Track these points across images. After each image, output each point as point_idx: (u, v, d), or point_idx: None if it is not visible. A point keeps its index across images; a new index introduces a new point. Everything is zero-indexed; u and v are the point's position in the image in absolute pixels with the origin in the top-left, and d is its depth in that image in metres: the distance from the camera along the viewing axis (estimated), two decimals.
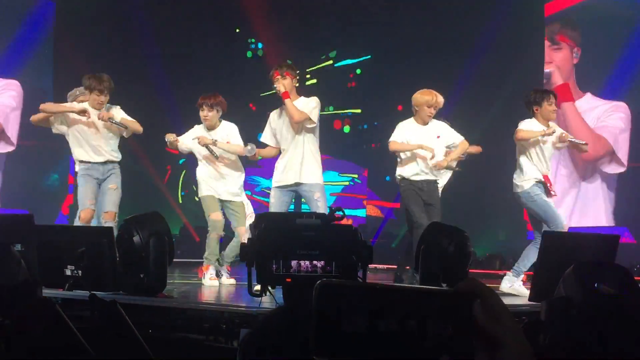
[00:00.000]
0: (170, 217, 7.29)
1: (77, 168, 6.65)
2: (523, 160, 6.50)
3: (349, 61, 11.80)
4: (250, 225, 6.29)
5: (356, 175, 12.16)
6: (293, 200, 6.71)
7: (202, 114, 6.60)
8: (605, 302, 2.70)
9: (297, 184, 6.26)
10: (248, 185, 8.96)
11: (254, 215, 6.89)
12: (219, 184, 6.69)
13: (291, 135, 6.30)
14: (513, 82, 10.04)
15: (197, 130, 6.76)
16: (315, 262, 1.78)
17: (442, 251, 4.43)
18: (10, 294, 2.72)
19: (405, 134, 6.54)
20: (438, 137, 6.55)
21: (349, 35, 11.38)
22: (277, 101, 6.44)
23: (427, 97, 6.45)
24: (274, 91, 6.29)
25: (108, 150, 6.53)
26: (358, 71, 11.80)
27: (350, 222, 10.24)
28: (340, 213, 2.21)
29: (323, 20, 11.28)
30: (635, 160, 9.81)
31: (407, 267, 6.91)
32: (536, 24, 10.44)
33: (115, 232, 5.09)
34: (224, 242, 6.75)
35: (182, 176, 11.74)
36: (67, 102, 6.71)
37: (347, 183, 12.13)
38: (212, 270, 6.50)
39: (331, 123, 11.68)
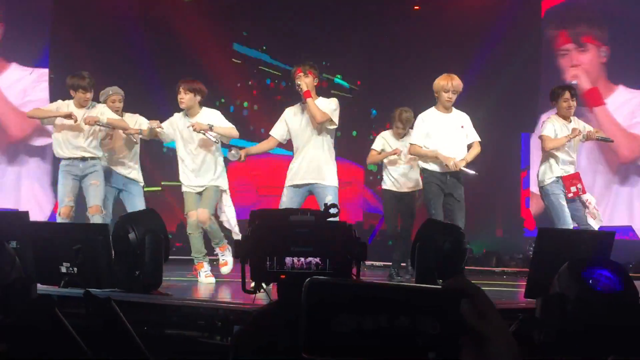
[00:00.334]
0: (169, 216, 7.31)
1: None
2: (547, 158, 6.69)
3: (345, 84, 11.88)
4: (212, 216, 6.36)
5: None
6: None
7: (178, 97, 6.48)
8: (601, 298, 2.70)
9: (312, 185, 6.13)
10: None
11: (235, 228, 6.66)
12: (197, 177, 6.51)
13: (307, 135, 6.18)
14: (511, 78, 10.06)
15: (176, 117, 6.61)
16: (309, 259, 1.77)
17: (437, 248, 4.44)
18: (5, 291, 2.72)
19: (427, 125, 6.41)
20: (462, 126, 6.43)
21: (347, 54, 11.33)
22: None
23: (442, 82, 6.35)
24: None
25: (89, 147, 6.79)
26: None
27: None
28: (336, 210, 2.21)
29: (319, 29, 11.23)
30: None
31: (403, 265, 6.93)
32: (533, 21, 10.44)
33: (111, 230, 5.09)
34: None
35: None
36: (99, 100, 7.03)
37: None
38: (206, 267, 6.49)
39: None
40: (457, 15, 10.39)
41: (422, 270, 4.55)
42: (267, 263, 1.78)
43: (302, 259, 1.89)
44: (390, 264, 7.26)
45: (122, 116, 7.02)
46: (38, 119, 7.12)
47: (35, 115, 7.09)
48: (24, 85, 10.10)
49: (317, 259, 1.87)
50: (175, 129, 6.59)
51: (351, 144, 11.70)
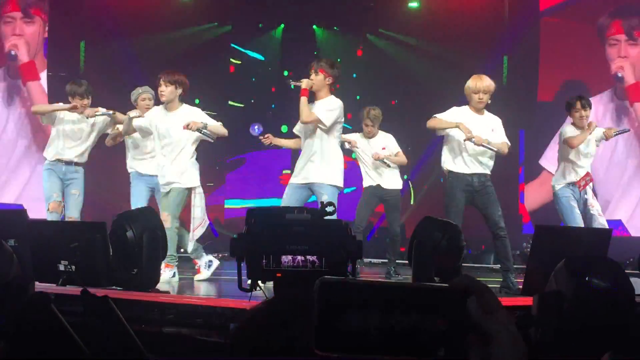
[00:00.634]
0: None
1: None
2: (561, 162, 6.82)
3: None
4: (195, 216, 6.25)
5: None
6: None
7: (159, 90, 6.28)
8: (597, 296, 2.71)
9: (312, 184, 5.98)
10: None
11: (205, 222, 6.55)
12: (163, 174, 6.28)
13: (309, 133, 6.05)
14: (508, 74, 10.06)
15: (155, 111, 6.43)
16: (305, 257, 1.78)
17: (434, 245, 4.44)
18: (3, 289, 2.72)
19: (454, 117, 6.12)
20: (492, 130, 6.15)
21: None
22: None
23: (471, 84, 6.11)
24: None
25: (81, 151, 6.92)
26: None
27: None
28: (332, 208, 2.22)
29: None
30: None
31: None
32: (532, 17, 10.42)
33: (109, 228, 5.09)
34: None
35: None
36: (130, 100, 7.03)
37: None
38: (200, 262, 6.41)
39: None
40: (453, 12, 10.38)
41: (420, 267, 4.55)
42: (264, 261, 1.79)
43: (299, 257, 1.90)
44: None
45: None
46: (40, 115, 7.13)
47: (39, 111, 7.17)
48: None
49: (313, 257, 1.89)
50: (151, 122, 6.36)
51: None
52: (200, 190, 6.33)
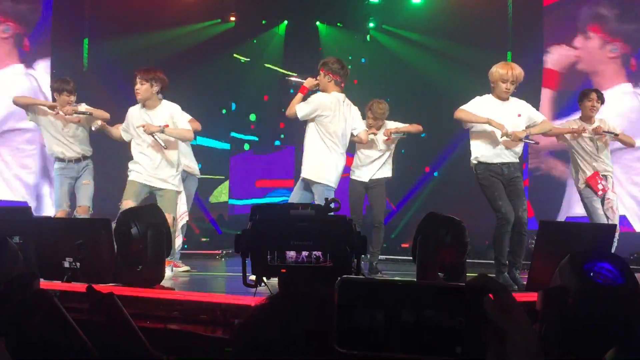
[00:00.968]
0: None
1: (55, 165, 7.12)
2: (573, 162, 6.95)
3: None
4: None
5: None
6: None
7: (135, 88, 6.12)
8: (602, 291, 2.71)
9: (309, 180, 5.97)
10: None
11: (186, 216, 6.52)
12: (151, 170, 6.16)
13: (305, 129, 6.08)
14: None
15: (133, 110, 6.24)
16: (309, 252, 1.78)
17: (438, 242, 4.43)
18: (8, 286, 2.72)
19: (480, 107, 5.95)
20: (519, 115, 5.98)
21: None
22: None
23: (502, 71, 5.88)
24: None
25: (79, 146, 7.00)
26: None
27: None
28: (336, 205, 2.22)
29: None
30: None
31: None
32: (535, 12, 10.40)
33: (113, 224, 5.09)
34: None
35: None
36: None
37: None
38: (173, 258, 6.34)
39: None
40: (457, 8, 10.36)
41: (424, 263, 4.55)
42: (268, 257, 1.80)
43: (303, 253, 1.90)
44: (400, 257, 7.26)
45: None
46: (23, 109, 7.22)
47: (20, 102, 7.24)
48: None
49: (318, 253, 1.88)
50: (129, 122, 6.24)
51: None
52: (182, 190, 6.33)
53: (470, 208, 9.07)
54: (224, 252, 8.71)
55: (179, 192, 6.26)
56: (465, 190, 9.72)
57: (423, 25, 10.56)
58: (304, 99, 5.99)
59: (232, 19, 10.96)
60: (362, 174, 7.20)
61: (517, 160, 6.02)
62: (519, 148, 6.03)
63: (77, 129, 7.02)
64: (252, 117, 10.39)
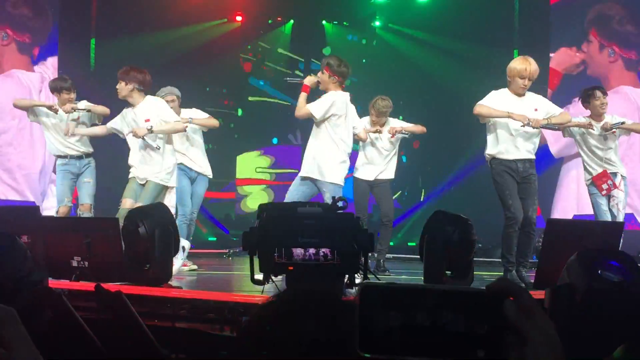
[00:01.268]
0: None
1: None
2: (582, 160, 6.92)
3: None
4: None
5: None
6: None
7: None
8: (610, 289, 2.70)
9: (314, 180, 5.93)
10: None
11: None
12: (141, 168, 6.15)
13: (311, 127, 6.06)
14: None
15: (125, 111, 6.31)
16: (316, 250, 1.78)
17: (446, 239, 4.43)
18: (17, 285, 2.73)
19: (497, 102, 5.90)
20: (535, 109, 5.91)
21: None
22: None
23: (520, 67, 5.83)
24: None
25: (80, 144, 7.03)
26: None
27: None
28: (343, 203, 2.22)
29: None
30: None
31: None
32: (541, 10, 10.36)
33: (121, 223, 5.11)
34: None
35: None
36: None
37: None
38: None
39: None
40: (463, 6, 10.34)
41: (431, 261, 4.55)
42: (276, 255, 1.80)
43: (310, 250, 1.90)
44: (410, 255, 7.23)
45: (178, 114, 6.74)
46: (24, 111, 7.27)
47: (19, 104, 7.29)
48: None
49: (325, 250, 1.89)
50: (122, 122, 6.32)
51: None
52: (173, 190, 6.20)
53: (478, 206, 9.06)
54: (231, 250, 8.73)
55: (166, 187, 6.15)
56: (472, 189, 9.71)
57: (429, 24, 10.53)
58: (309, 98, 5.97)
59: (239, 18, 10.98)
60: (367, 172, 7.18)
61: (533, 157, 5.97)
62: (536, 144, 6.02)
63: (77, 127, 7.03)
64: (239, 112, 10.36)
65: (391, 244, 7.73)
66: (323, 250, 1.83)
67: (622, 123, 6.77)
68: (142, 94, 6.15)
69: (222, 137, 9.87)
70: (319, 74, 6.00)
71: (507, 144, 5.89)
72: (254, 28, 11.17)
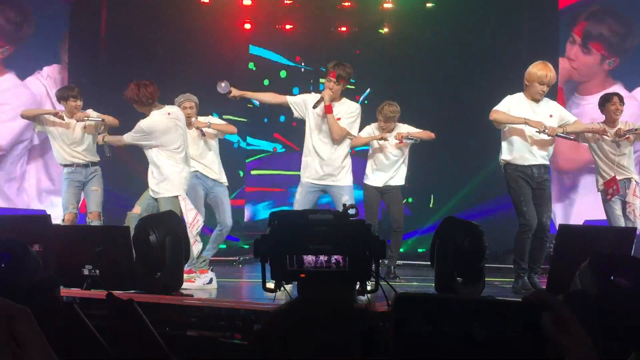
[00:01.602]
0: None
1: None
2: (595, 165, 6.91)
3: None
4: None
5: None
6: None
7: None
8: (622, 294, 2.69)
9: (328, 185, 5.96)
10: None
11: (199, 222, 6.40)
12: (149, 178, 6.18)
13: (324, 132, 5.98)
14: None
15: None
16: (328, 257, 1.79)
17: (457, 246, 4.42)
18: (29, 293, 2.75)
19: (513, 108, 5.89)
20: (550, 116, 5.90)
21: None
22: None
23: (540, 73, 5.80)
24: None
25: (87, 153, 7.08)
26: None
27: None
28: (354, 210, 2.22)
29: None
30: None
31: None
32: (550, 15, 10.34)
33: (132, 232, 5.13)
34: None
35: None
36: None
37: None
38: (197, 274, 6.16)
39: None
40: (472, 12, 10.33)
41: (442, 268, 4.53)
42: (287, 262, 1.80)
43: (321, 257, 1.90)
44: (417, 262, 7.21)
45: (196, 120, 6.81)
46: (31, 120, 7.31)
47: (27, 114, 7.35)
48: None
49: (337, 257, 1.89)
50: None
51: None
52: (184, 195, 6.12)
53: (489, 212, 9.03)
54: (241, 258, 8.73)
55: (169, 197, 6.06)
56: (483, 195, 9.68)
57: (437, 30, 10.53)
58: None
59: (247, 26, 11.01)
60: (377, 178, 7.18)
61: (547, 163, 5.97)
62: (550, 150, 6.00)
63: (84, 135, 7.07)
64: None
65: (401, 250, 7.71)
66: (335, 257, 1.83)
67: (637, 130, 6.75)
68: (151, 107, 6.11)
69: (231, 143, 9.89)
70: (331, 85, 5.91)
71: (523, 150, 5.88)
72: (264, 36, 11.20)
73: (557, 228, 5.58)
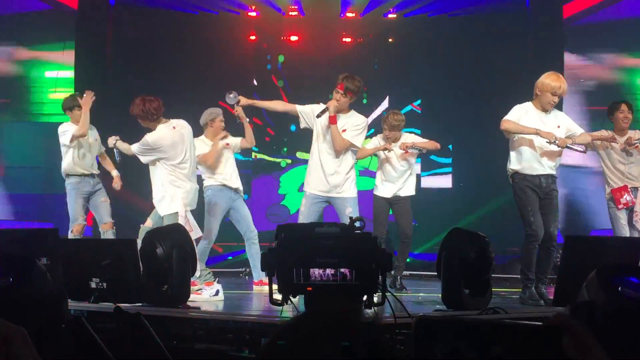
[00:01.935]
0: None
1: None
2: (603, 172, 6.91)
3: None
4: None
5: None
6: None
7: None
8: (630, 305, 2.67)
9: (332, 197, 5.97)
10: None
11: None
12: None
13: (328, 142, 5.98)
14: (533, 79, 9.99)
15: None
16: (334, 270, 1.79)
17: (463, 258, 4.42)
18: (37, 307, 2.75)
19: (522, 117, 5.87)
20: (558, 126, 5.87)
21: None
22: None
23: (554, 84, 5.75)
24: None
25: (94, 164, 7.19)
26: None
27: None
28: (361, 223, 2.23)
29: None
30: None
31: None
32: (555, 27, 10.35)
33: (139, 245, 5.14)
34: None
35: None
36: (202, 124, 6.89)
37: None
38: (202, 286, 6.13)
39: None
40: (477, 20, 10.35)
41: (448, 279, 4.53)
42: (294, 275, 1.80)
43: (328, 271, 1.90)
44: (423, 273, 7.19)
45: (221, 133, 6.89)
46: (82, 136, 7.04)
47: (82, 133, 6.93)
48: None
49: (344, 270, 1.89)
50: None
51: None
52: (182, 213, 6.08)
53: (494, 223, 9.01)
54: (247, 269, 8.73)
55: (169, 215, 6.05)
56: (489, 205, 9.66)
57: (441, 39, 10.55)
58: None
59: (252, 37, 11.05)
60: (386, 189, 7.18)
61: (555, 173, 5.94)
62: (558, 160, 5.99)
63: (91, 147, 7.13)
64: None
65: (407, 260, 7.69)
66: (341, 270, 1.83)
67: None
68: (157, 122, 6.16)
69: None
70: (338, 96, 5.92)
71: (532, 160, 5.86)
72: (267, 48, 11.23)
73: (563, 238, 5.58)
